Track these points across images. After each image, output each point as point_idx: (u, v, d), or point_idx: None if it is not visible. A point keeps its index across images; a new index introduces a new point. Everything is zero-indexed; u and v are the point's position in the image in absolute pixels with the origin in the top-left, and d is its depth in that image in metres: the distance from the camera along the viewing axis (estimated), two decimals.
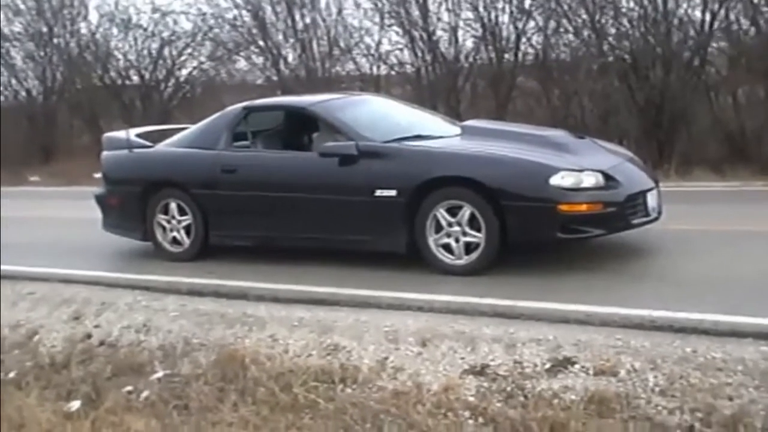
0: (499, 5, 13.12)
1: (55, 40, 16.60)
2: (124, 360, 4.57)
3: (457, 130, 5.97)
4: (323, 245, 5.70)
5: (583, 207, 4.99)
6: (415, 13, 13.70)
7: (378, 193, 5.34)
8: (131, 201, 6.30)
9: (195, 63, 16.73)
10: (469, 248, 5.13)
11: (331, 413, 3.67)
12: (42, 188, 13.23)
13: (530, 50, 13.24)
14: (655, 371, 3.54)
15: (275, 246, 5.89)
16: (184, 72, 16.89)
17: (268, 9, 15.02)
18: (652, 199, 5.39)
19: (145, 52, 16.48)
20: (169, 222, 6.22)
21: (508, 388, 3.62)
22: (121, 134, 6.83)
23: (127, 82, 16.58)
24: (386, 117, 6.22)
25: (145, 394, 4.17)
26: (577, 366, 3.69)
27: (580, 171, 5.09)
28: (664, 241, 5.64)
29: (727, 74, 11.96)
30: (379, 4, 13.92)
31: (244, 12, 15.19)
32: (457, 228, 5.12)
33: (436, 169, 5.22)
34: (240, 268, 5.81)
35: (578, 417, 3.31)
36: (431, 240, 5.20)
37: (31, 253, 6.77)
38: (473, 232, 5.08)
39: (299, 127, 6.37)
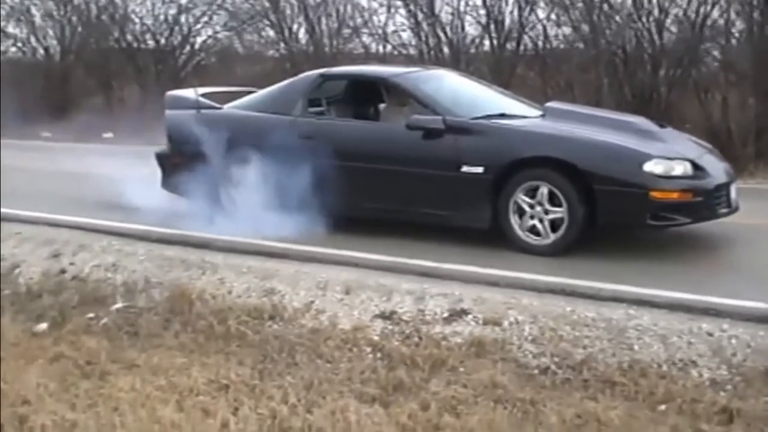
0: None
1: (75, 1, 17.14)
2: (91, 292, 5.15)
3: (539, 112, 5.97)
4: (399, 217, 5.70)
5: (675, 195, 5.02)
6: None
7: (464, 168, 5.36)
8: (197, 162, 6.06)
9: (210, 31, 17.24)
10: (553, 227, 5.17)
11: (256, 343, 4.24)
12: (52, 143, 13.84)
13: (530, 41, 13.63)
14: (533, 324, 4.07)
15: (347, 216, 5.81)
16: (199, 40, 17.37)
17: None
18: (734, 191, 5.45)
19: (162, 17, 16.96)
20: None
21: (408, 331, 4.17)
22: (187, 93, 6.72)
23: (143, 46, 17.07)
24: (467, 93, 6.21)
25: (103, 321, 4.76)
26: (470, 316, 4.23)
27: (671, 159, 5.12)
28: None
29: (716, 76, 12.28)
30: None
31: None
32: (539, 209, 5.17)
33: (528, 148, 5.25)
34: None
35: (458, 356, 3.85)
36: (513, 218, 5.26)
37: (26, 199, 7.30)
38: (556, 209, 5.12)
39: (367, 98, 6.42)
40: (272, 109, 6.18)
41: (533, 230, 5.24)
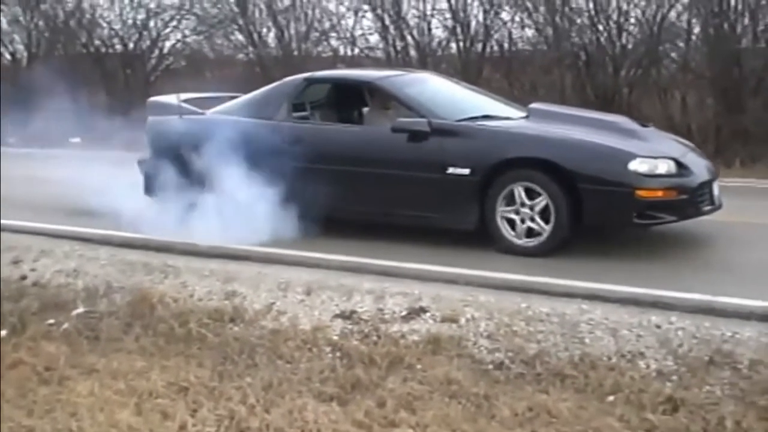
0: None
1: (42, 6, 17.01)
2: (51, 298, 5.14)
3: (523, 113, 6.01)
4: (387, 220, 5.72)
5: (660, 193, 5.08)
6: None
7: (450, 170, 5.39)
8: (181, 168, 6.05)
9: (179, 36, 17.20)
10: (540, 228, 5.20)
11: (216, 345, 4.26)
12: (17, 149, 13.73)
13: (495, 44, 13.77)
14: (489, 320, 4.15)
15: (336, 219, 5.81)
16: (168, 44, 17.32)
17: None
18: (716, 188, 5.53)
19: (130, 22, 16.90)
20: None
21: (367, 330, 4.23)
22: (169, 99, 6.68)
23: (111, 50, 17.00)
24: (451, 95, 6.26)
25: (64, 326, 4.75)
26: (428, 314, 4.30)
27: (655, 158, 5.18)
28: None
29: (675, 76, 12.50)
30: None
31: None
32: (526, 210, 5.21)
33: (514, 149, 5.29)
34: None
35: (415, 353, 3.91)
36: (499, 219, 5.30)
37: None
38: (542, 210, 5.15)
39: (350, 101, 6.46)
40: (256, 113, 6.17)
41: (520, 231, 5.27)
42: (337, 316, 4.42)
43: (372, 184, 5.68)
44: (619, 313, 4.14)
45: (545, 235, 5.19)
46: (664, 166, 5.18)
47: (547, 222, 5.17)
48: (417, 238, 5.59)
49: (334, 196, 5.66)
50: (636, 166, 5.08)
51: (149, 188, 6.43)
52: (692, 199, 5.25)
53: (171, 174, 6.07)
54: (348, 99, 6.51)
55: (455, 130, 5.49)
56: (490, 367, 3.78)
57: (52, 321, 4.82)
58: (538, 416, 3.32)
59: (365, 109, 6.42)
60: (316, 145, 5.87)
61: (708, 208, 5.43)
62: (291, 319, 4.45)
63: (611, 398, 3.41)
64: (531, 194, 5.21)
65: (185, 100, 6.57)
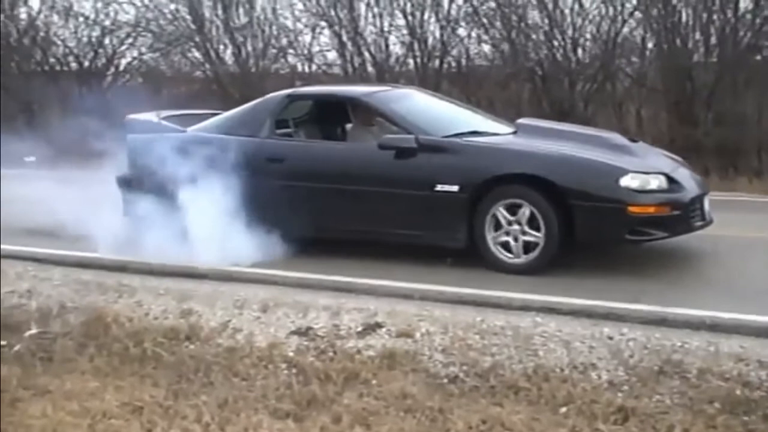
0: (426, 15, 13.77)
1: None
2: (4, 320, 5.03)
3: (511, 128, 5.94)
4: (376, 238, 5.63)
5: (652, 209, 5.02)
6: (345, 15, 14.26)
7: (439, 187, 5.31)
8: (161, 187, 5.87)
9: (135, 53, 17.08)
10: (528, 247, 5.15)
11: (171, 364, 4.23)
12: None
13: (452, 59, 13.90)
14: (444, 335, 4.18)
15: (326, 238, 5.76)
16: (124, 61, 17.19)
17: (206, 6, 15.44)
18: (707, 204, 5.49)
19: (85, 40, 16.74)
20: None
21: (323, 346, 4.23)
22: (148, 117, 6.56)
23: (66, 68, 16.82)
24: (437, 111, 6.18)
25: (16, 347, 4.67)
26: (383, 329, 4.32)
27: (647, 173, 5.13)
28: None
29: (630, 90, 12.76)
30: (310, 5, 14.39)
31: (181, 7, 15.59)
32: (516, 227, 5.14)
33: (504, 165, 5.21)
34: None
35: (370, 369, 3.92)
36: (489, 237, 5.22)
37: None
38: (533, 232, 5.11)
39: (333, 118, 6.39)
40: (238, 131, 6.07)
41: (510, 249, 5.21)
42: (293, 332, 4.42)
43: (359, 202, 5.58)
44: (573, 325, 4.21)
45: (537, 250, 5.12)
46: (655, 182, 5.13)
47: (538, 230, 5.10)
48: (374, 253, 5.61)
49: (319, 214, 5.64)
50: (627, 181, 5.02)
51: (129, 207, 6.26)
52: (684, 215, 5.19)
53: (152, 193, 5.91)
54: (331, 115, 6.43)
55: (443, 147, 5.42)
56: (445, 380, 3.80)
57: (4, 343, 4.73)
58: (491, 429, 3.35)
59: (349, 126, 6.33)
60: (300, 163, 5.81)
61: (699, 223, 5.36)
62: (247, 337, 4.44)
63: (564, 409, 3.45)
64: (518, 211, 5.14)
65: (165, 118, 6.49)
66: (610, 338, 4.01)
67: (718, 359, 3.77)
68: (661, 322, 4.17)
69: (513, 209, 5.15)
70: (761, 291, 4.76)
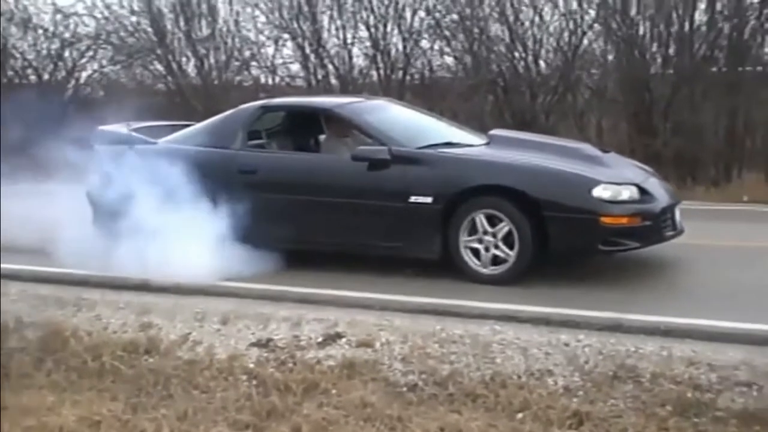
0: (389, 27, 13.85)
1: None
2: None
3: (483, 140, 5.95)
4: (351, 250, 5.62)
5: (624, 220, 5.05)
6: (308, 28, 14.29)
7: (413, 199, 5.31)
8: (131, 200, 5.73)
9: (96, 66, 16.92)
10: (496, 260, 5.17)
11: (130, 378, 4.21)
12: None
13: (416, 71, 14.00)
14: (403, 344, 4.21)
15: (298, 251, 5.72)
16: (85, 74, 17.02)
17: (168, 18, 15.38)
18: (678, 213, 5.54)
19: (45, 52, 16.55)
20: None
21: (283, 357, 4.24)
22: (118, 128, 6.50)
23: (24, 81, 16.60)
24: (411, 122, 6.18)
25: None
26: (344, 340, 4.34)
27: (619, 184, 5.17)
28: None
29: (590, 101, 12.96)
30: (273, 18, 14.40)
31: (143, 20, 15.50)
32: (490, 238, 5.16)
33: (477, 177, 5.24)
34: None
35: (330, 379, 3.94)
36: (462, 248, 5.23)
37: None
38: (506, 249, 5.12)
39: (306, 129, 6.37)
40: (211, 142, 6.03)
41: (484, 259, 5.22)
42: (253, 344, 4.43)
43: (332, 213, 5.56)
44: (531, 332, 4.27)
45: (510, 261, 5.15)
46: (627, 193, 5.17)
47: (511, 248, 5.12)
48: (335, 264, 5.63)
49: (293, 226, 5.63)
50: (600, 192, 5.06)
51: (99, 220, 6.16)
52: (656, 225, 5.24)
53: (122, 206, 5.75)
54: (305, 127, 6.40)
55: (417, 158, 5.43)
56: (404, 389, 3.84)
57: None
58: None
59: (322, 137, 6.29)
60: (273, 174, 5.79)
61: (671, 233, 5.42)
62: (207, 349, 4.43)
63: (520, 415, 3.50)
64: (494, 222, 5.16)
65: (135, 129, 6.43)
66: (567, 345, 4.08)
67: (670, 363, 3.85)
68: (617, 327, 4.25)
69: (493, 220, 5.16)
70: (718, 295, 4.86)
